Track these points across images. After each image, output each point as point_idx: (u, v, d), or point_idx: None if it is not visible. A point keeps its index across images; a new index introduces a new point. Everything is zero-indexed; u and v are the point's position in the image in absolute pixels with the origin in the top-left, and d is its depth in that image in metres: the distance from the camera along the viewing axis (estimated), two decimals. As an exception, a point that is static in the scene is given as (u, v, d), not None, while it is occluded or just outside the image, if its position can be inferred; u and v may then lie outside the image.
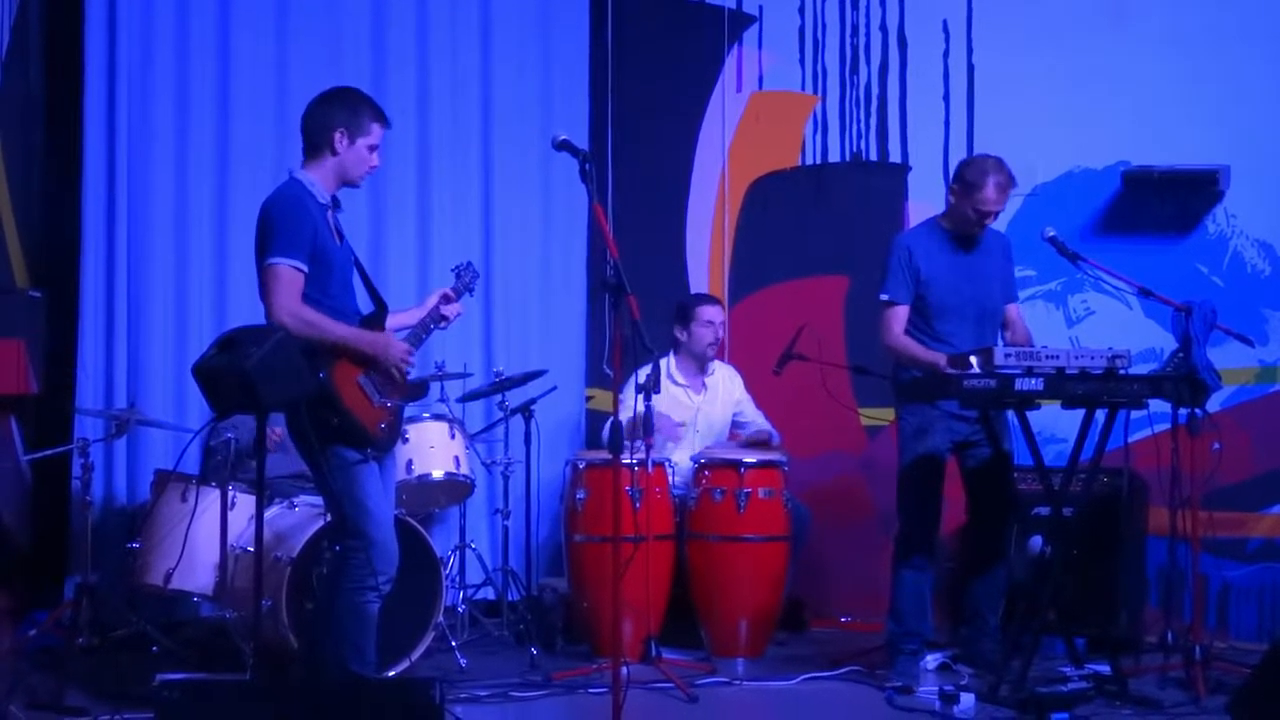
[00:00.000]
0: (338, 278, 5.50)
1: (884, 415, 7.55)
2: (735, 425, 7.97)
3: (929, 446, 6.69)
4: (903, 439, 6.76)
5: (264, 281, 5.38)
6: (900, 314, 6.71)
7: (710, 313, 7.87)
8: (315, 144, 5.52)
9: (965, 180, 6.64)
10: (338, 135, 5.48)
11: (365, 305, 5.70)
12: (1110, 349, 6.24)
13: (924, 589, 6.73)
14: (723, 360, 8.17)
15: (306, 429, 5.32)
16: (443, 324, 5.85)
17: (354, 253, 5.69)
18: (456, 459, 7.24)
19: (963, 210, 6.67)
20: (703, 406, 7.88)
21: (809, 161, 8.59)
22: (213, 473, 6.84)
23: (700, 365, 7.88)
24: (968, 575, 6.92)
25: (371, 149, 5.54)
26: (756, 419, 7.95)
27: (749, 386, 8.03)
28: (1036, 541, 6.34)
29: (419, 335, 5.74)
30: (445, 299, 5.84)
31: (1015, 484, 6.80)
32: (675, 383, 7.81)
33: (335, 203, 5.57)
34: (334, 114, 5.50)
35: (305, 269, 5.35)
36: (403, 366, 5.52)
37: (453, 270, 6.05)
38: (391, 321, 5.72)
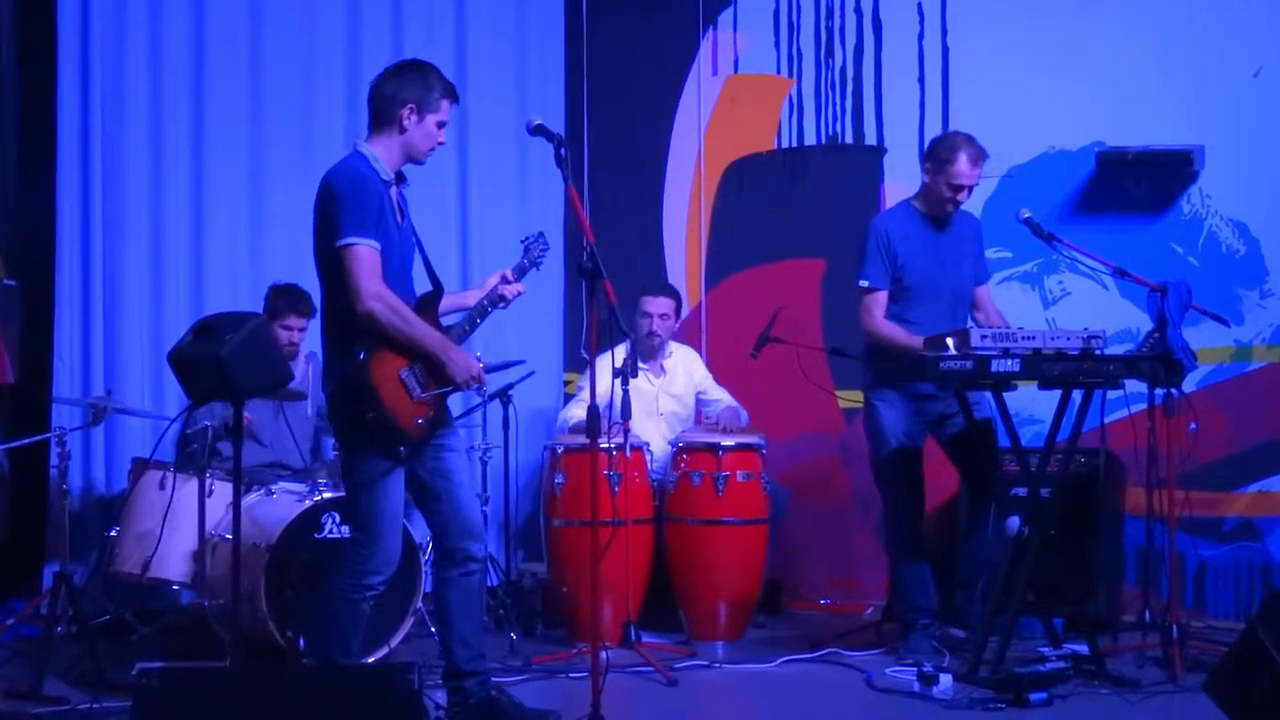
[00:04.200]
0: (396, 260, 5.32)
1: (860, 397, 7.56)
2: (700, 404, 7.97)
3: (904, 434, 6.72)
4: (875, 427, 6.77)
5: (341, 264, 5.15)
6: (880, 299, 6.72)
7: (648, 304, 7.84)
8: (383, 118, 5.33)
9: (937, 157, 6.67)
10: (406, 111, 5.30)
11: (422, 285, 5.55)
12: (1086, 329, 6.25)
13: (924, 571, 6.76)
14: (695, 345, 8.22)
15: (345, 422, 5.29)
16: (502, 304, 5.68)
17: (415, 232, 5.52)
18: (435, 444, 7.22)
19: (937, 187, 6.69)
20: (663, 389, 7.90)
21: (785, 144, 8.59)
22: (190, 460, 6.82)
23: (649, 352, 7.87)
24: (959, 543, 6.95)
25: (440, 125, 5.38)
26: (722, 396, 7.95)
27: (713, 366, 8.05)
28: (1014, 522, 6.34)
29: (474, 318, 5.58)
30: (504, 279, 5.67)
31: (998, 450, 6.79)
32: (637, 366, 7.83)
33: (400, 178, 5.41)
34: (405, 89, 5.31)
35: (379, 246, 5.17)
36: (473, 384, 5.40)
37: (521, 242, 5.83)
38: (447, 303, 5.57)
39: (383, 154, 5.34)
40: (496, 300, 5.66)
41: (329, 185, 5.24)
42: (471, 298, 5.72)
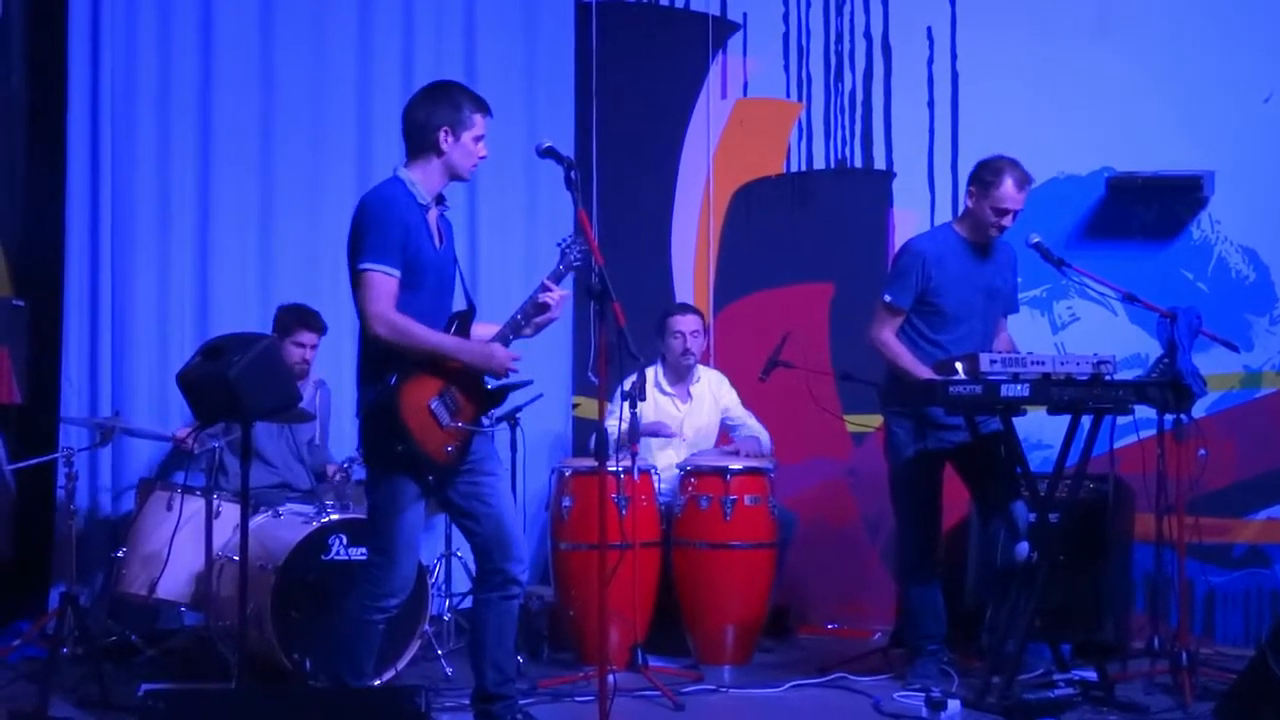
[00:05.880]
0: (431, 282, 5.34)
1: (869, 421, 7.55)
2: (727, 428, 7.95)
3: (920, 456, 6.66)
4: (893, 448, 6.73)
5: (356, 288, 5.23)
6: (898, 317, 6.67)
7: (678, 322, 7.83)
8: (420, 144, 5.37)
9: (982, 180, 6.60)
10: (442, 134, 5.34)
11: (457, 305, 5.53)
12: (1095, 355, 6.24)
13: (935, 595, 6.72)
14: (708, 365, 8.19)
15: (374, 449, 5.31)
16: (542, 313, 5.51)
17: (455, 256, 5.53)
18: (442, 467, 7.21)
19: (982, 211, 6.62)
20: (689, 415, 7.87)
21: (793, 168, 8.59)
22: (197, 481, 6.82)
23: (679, 374, 7.86)
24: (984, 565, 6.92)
25: (477, 140, 5.40)
26: (748, 420, 7.92)
27: (735, 389, 8.03)
28: (1023, 548, 6.32)
29: (512, 328, 5.48)
30: (544, 287, 5.51)
31: (1005, 462, 6.69)
32: (662, 391, 7.82)
33: (440, 199, 5.42)
34: (436, 112, 5.36)
35: (397, 273, 5.19)
36: (508, 370, 5.38)
37: (557, 245, 5.66)
38: (480, 329, 5.51)
39: (422, 178, 5.37)
40: (536, 308, 5.50)
41: (359, 209, 5.30)
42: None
